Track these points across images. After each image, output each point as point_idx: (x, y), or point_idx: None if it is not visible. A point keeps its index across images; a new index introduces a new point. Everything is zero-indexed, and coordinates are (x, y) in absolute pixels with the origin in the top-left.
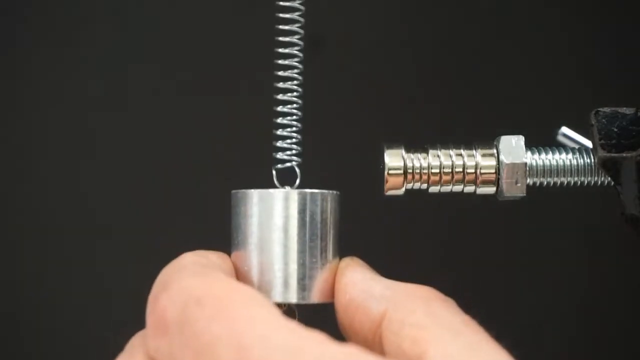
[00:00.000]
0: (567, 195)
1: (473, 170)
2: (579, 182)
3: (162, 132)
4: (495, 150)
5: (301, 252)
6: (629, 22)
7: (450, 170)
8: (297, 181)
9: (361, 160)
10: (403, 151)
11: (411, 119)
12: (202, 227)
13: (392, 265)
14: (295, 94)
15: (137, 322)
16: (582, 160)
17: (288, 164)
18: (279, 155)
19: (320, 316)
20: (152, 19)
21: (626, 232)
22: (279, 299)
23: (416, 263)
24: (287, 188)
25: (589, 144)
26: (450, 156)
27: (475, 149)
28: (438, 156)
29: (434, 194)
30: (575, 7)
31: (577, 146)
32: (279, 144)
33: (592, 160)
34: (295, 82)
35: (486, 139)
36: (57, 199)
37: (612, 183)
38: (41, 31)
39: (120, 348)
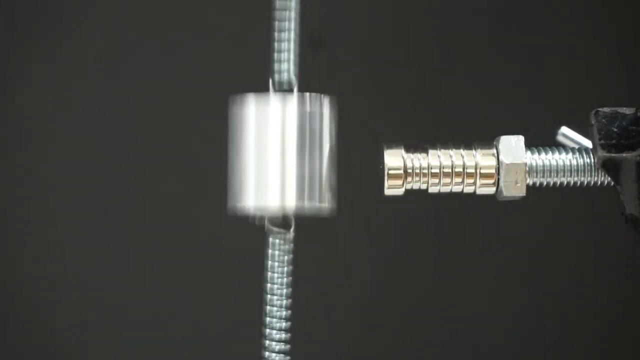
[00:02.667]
0: (567, 195)
1: (473, 170)
2: (579, 182)
3: (159, 126)
4: (495, 150)
5: (300, 156)
6: (629, 22)
7: (450, 170)
8: (295, 88)
9: (361, 160)
10: (403, 151)
11: (411, 119)
12: (200, 225)
13: (391, 266)
14: (292, 11)
15: (135, 322)
16: (582, 160)
17: (285, 74)
18: (276, 66)
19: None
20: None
21: (626, 232)
22: (275, 203)
23: (416, 263)
24: (285, 93)
25: (589, 144)
26: (450, 156)
27: (475, 149)
28: (438, 156)
29: (433, 194)
30: (576, 7)
31: (577, 146)
32: (276, 56)
33: (592, 160)
34: None
35: (486, 139)
36: (56, 197)
37: (612, 183)
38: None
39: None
